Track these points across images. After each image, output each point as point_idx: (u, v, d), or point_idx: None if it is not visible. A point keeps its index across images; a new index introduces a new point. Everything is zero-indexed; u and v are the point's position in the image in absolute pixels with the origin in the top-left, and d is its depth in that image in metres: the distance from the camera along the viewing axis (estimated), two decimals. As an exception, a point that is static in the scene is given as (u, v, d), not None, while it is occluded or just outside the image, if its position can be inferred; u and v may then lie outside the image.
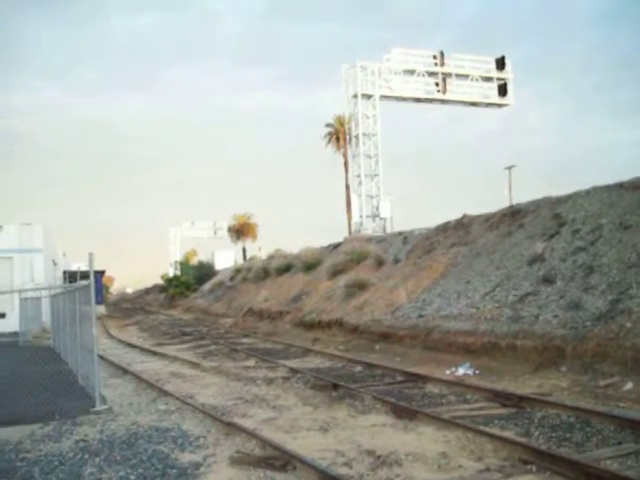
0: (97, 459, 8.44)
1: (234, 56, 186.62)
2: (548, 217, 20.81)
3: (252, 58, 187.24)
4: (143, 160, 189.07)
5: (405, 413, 10.51)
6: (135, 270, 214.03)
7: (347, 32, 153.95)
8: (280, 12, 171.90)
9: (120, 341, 27.62)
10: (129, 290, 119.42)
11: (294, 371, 16.01)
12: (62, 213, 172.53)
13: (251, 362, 18.67)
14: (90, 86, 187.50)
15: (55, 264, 44.05)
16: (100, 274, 52.33)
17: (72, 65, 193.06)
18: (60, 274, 46.85)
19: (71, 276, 46.85)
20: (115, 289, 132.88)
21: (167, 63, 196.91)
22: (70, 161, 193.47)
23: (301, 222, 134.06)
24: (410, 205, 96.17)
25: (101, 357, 17.12)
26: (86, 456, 8.59)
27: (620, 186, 19.22)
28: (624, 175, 19.53)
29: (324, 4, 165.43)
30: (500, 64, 48.86)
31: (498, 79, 49.10)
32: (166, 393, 13.38)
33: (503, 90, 49.12)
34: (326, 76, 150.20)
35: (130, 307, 67.92)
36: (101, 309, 45.93)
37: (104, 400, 12.11)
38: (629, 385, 11.32)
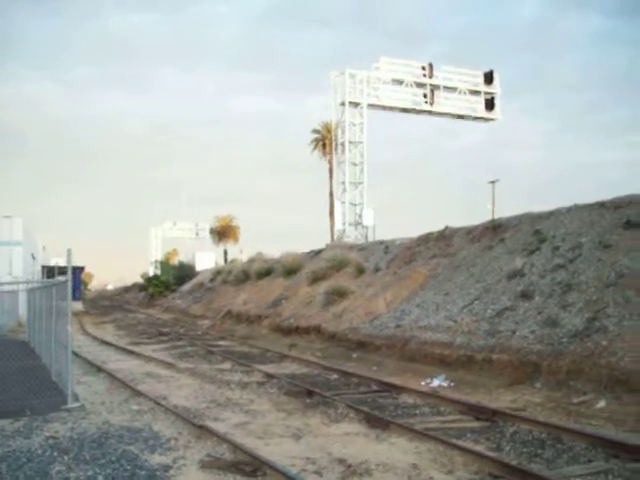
0: (66, 457, 8.34)
1: (227, 59, 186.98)
2: (529, 233, 20.93)
3: (245, 62, 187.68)
4: (130, 158, 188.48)
5: (378, 423, 10.50)
6: (116, 267, 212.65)
7: (341, 40, 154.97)
8: (276, 18, 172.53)
9: (96, 338, 27.40)
10: (110, 287, 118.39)
11: (269, 376, 15.95)
12: (44, 207, 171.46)
13: (227, 365, 18.59)
14: (82, 82, 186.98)
15: (34, 258, 43.70)
16: (79, 270, 51.92)
17: (65, 59, 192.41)
18: (39, 268, 46.41)
19: (49, 271, 46.40)
20: (94, 286, 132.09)
21: (161, 63, 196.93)
22: (56, 155, 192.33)
23: (284, 227, 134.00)
24: (393, 214, 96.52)
25: (75, 354, 16.99)
26: (55, 453, 8.50)
27: (601, 205, 19.39)
28: (608, 194, 19.72)
29: (320, 12, 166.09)
30: (488, 78, 49.22)
31: (486, 93, 49.42)
32: (139, 393, 13.29)
33: (490, 104, 49.44)
34: (317, 82, 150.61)
35: (108, 305, 67.44)
36: (78, 305, 45.58)
37: (76, 397, 12.01)
38: (602, 403, 11.38)
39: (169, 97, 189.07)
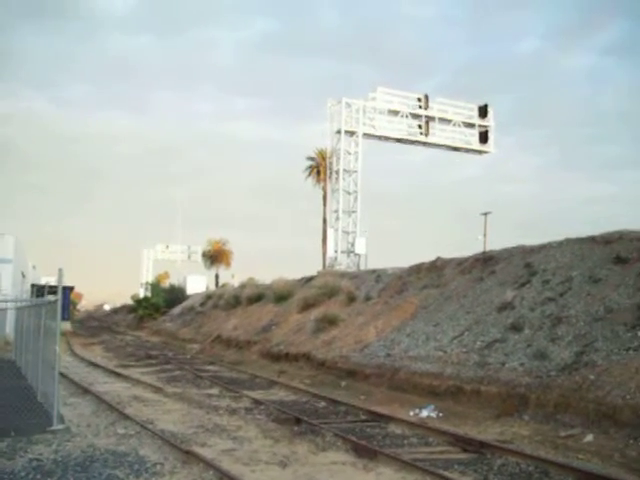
0: (50, 480, 8.28)
1: (225, 84, 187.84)
2: (520, 266, 21.04)
3: (243, 87, 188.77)
4: (124, 178, 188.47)
5: (366, 452, 10.47)
6: (106, 288, 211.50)
7: (340, 68, 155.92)
8: (276, 44, 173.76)
9: (83, 359, 27.24)
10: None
11: (257, 402, 15.89)
12: (36, 224, 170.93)
13: (215, 390, 18.50)
14: (79, 101, 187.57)
15: (24, 276, 43.46)
16: (68, 290, 51.70)
17: (63, 78, 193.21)
18: (28, 287, 46.19)
19: (39, 290, 46.20)
20: (84, 305, 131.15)
21: (158, 84, 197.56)
22: (50, 173, 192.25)
23: (277, 252, 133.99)
24: (386, 243, 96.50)
25: (62, 375, 16.87)
26: (39, 476, 8.43)
27: (592, 240, 19.53)
28: (599, 229, 19.88)
29: (321, 39, 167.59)
30: (482, 112, 49.65)
31: (480, 126, 49.82)
32: (126, 417, 13.20)
33: (484, 137, 49.83)
34: (315, 110, 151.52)
35: (97, 325, 67.04)
36: (67, 326, 45.29)
37: (62, 419, 11.93)
38: (589, 437, 11.38)
39: (166, 119, 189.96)
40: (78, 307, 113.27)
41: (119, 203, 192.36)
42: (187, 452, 9.94)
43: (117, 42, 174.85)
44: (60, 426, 11.51)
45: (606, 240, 18.94)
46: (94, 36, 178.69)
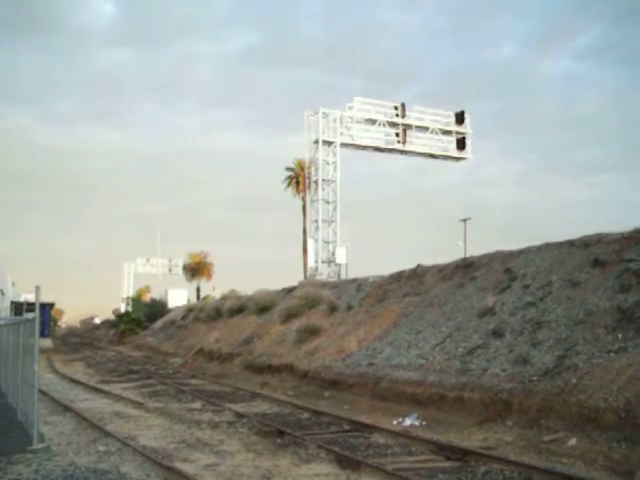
0: (29, 501, 8.14)
1: (207, 96, 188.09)
2: (500, 271, 21.11)
3: (224, 99, 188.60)
4: (104, 193, 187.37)
5: (349, 463, 10.42)
6: (89, 303, 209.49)
7: (322, 79, 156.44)
8: (258, 56, 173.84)
9: (64, 376, 26.93)
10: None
11: (240, 415, 15.78)
12: (15, 241, 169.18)
13: (197, 404, 18.35)
14: (63, 116, 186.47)
15: (3, 294, 43.00)
16: (49, 306, 51.25)
17: (45, 94, 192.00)
18: (7, 304, 45.71)
19: (17, 307, 45.74)
20: (66, 321, 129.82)
21: (141, 98, 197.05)
22: (34, 188, 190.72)
23: (258, 264, 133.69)
24: (366, 252, 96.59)
25: (43, 392, 16.68)
26: (18, 497, 8.29)
27: (571, 244, 19.64)
28: (578, 233, 19.98)
29: (303, 51, 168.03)
30: (459, 118, 49.94)
31: (457, 133, 50.12)
32: (107, 433, 13.05)
33: (462, 144, 50.12)
34: (295, 121, 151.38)
35: (78, 342, 66.39)
36: (47, 342, 44.82)
37: (42, 438, 11.74)
38: (573, 441, 11.40)
39: (149, 133, 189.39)
40: (59, 323, 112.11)
41: (103, 217, 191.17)
42: (169, 468, 9.84)
43: (100, 57, 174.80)
44: (40, 445, 11.34)
45: (585, 243, 19.05)
46: (78, 52, 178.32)
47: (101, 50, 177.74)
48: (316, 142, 45.89)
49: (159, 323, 56.86)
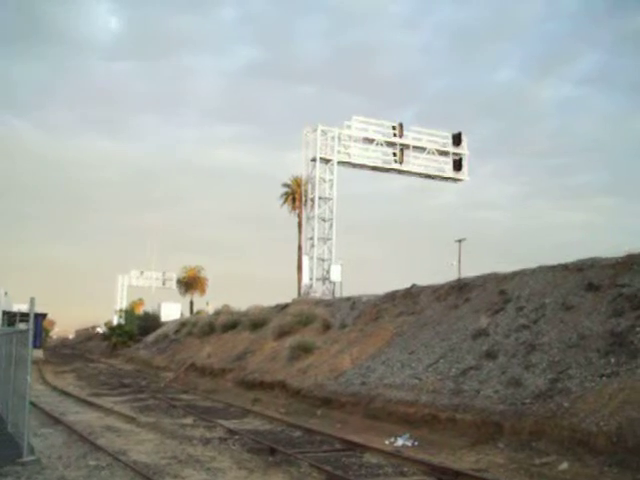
0: (18, 514, 8.11)
1: (207, 110, 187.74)
2: (494, 293, 21.17)
3: (224, 114, 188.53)
4: (105, 204, 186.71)
5: (341, 482, 10.39)
6: (83, 314, 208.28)
7: (322, 96, 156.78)
8: (258, 72, 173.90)
9: (55, 388, 26.81)
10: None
11: (232, 432, 15.73)
12: (8, 250, 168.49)
13: (189, 420, 18.29)
14: (60, 126, 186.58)
15: (-5, 304, 42.83)
16: (41, 317, 51.04)
17: (44, 103, 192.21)
18: (0, 314, 45.48)
19: (10, 318, 45.55)
20: (56, 333, 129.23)
21: (141, 110, 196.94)
22: (29, 198, 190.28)
23: (252, 279, 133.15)
24: (361, 270, 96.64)
25: (33, 404, 16.60)
26: (7, 510, 8.25)
27: (565, 267, 19.73)
28: (571, 256, 20.09)
29: (304, 68, 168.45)
30: (457, 140, 50.19)
31: (454, 154, 50.33)
32: (98, 448, 12.99)
33: (458, 165, 50.32)
34: (293, 137, 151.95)
35: (70, 353, 66.11)
36: (39, 354, 44.57)
37: (32, 450, 11.70)
38: (564, 465, 11.40)
39: (148, 145, 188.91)
40: (51, 334, 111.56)
41: (98, 228, 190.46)
42: (160, 484, 9.80)
43: (100, 68, 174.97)
44: (30, 457, 11.29)
45: (578, 267, 19.15)
46: (77, 62, 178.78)
47: (102, 61, 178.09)
48: (314, 159, 46.03)
49: (152, 336, 56.68)
